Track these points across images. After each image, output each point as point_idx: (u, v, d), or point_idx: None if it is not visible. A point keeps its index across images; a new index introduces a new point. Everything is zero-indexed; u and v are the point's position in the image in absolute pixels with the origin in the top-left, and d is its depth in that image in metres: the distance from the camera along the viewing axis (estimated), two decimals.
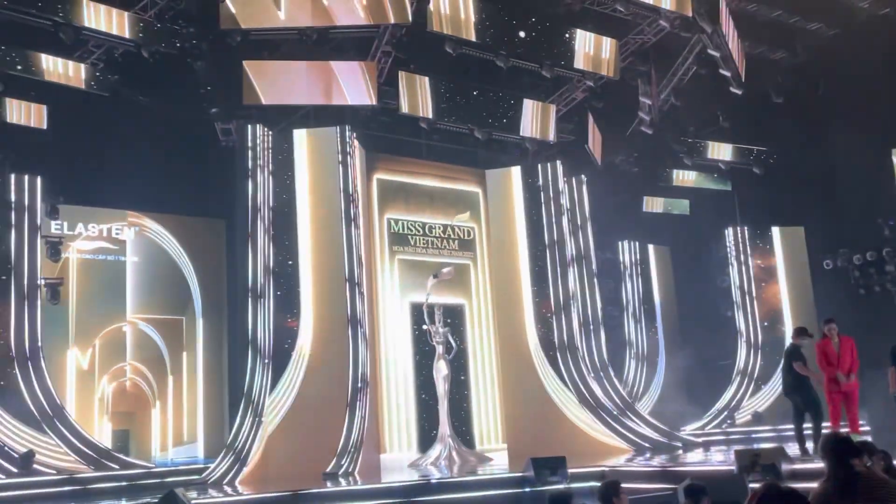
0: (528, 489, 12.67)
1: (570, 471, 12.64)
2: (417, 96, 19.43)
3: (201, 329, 22.82)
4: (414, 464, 17.64)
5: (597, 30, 19.79)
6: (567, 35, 19.57)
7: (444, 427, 17.64)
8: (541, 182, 21.16)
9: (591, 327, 20.94)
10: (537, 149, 21.91)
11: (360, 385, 17.03)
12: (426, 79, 19.59)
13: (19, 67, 17.42)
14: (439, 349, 17.90)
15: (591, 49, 19.69)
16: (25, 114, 18.15)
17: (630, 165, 24.94)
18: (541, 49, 19.48)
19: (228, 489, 14.61)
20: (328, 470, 15.44)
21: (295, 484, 13.16)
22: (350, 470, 15.71)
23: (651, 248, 26.62)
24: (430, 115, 19.70)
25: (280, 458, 16.23)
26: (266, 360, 16.96)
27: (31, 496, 15.41)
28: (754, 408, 24.14)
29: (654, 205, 26.23)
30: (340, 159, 18.25)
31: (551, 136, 21.12)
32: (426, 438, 19.09)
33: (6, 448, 16.84)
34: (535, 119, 20.87)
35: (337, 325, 17.33)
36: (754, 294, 25.57)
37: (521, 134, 21.00)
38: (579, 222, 21.60)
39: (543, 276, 20.63)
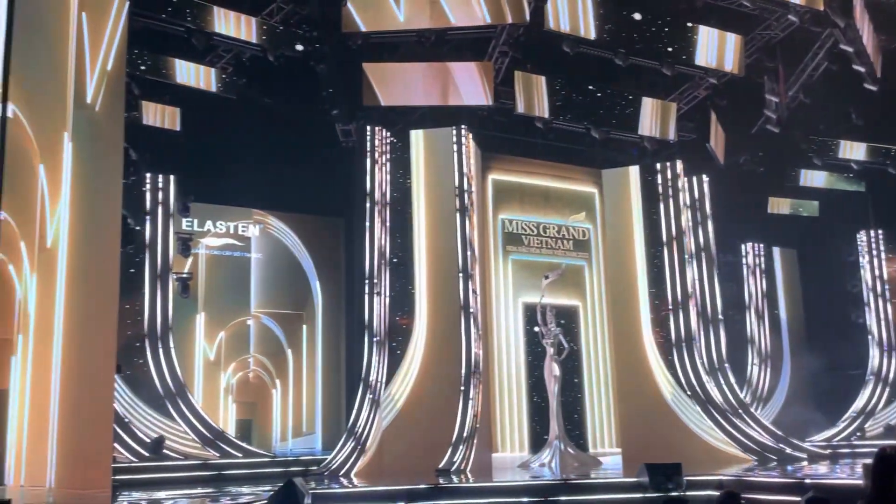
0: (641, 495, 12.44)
1: (685, 478, 12.33)
2: (533, 96, 19.38)
3: (320, 324, 23.48)
4: (524, 464, 17.61)
5: (721, 25, 19.21)
6: (689, 31, 19.08)
7: (555, 429, 17.52)
8: (660, 182, 20.68)
9: (710, 324, 20.33)
10: (656, 148, 21.46)
11: (472, 372, 17.15)
12: (542, 78, 19.51)
13: (160, 72, 18.41)
14: (550, 350, 17.82)
15: (714, 45, 19.14)
16: (160, 116, 19.16)
17: (754, 165, 24.04)
18: (661, 46, 19.07)
19: (344, 481, 14.97)
20: (441, 466, 15.60)
21: (410, 478, 13.41)
22: (462, 467, 15.82)
23: (776, 250, 25.61)
24: (546, 115, 19.61)
25: (394, 451, 16.50)
26: (381, 346, 17.33)
27: (170, 479, 16.26)
28: (887, 420, 22.87)
29: (779, 206, 25.21)
30: (456, 159, 18.41)
31: (671, 135, 20.65)
32: (537, 439, 19.02)
33: (139, 433, 17.80)
34: (654, 117, 20.45)
35: (450, 319, 17.51)
36: (888, 298, 24.24)
37: (639, 133, 20.63)
38: (699, 219, 21.03)
39: (661, 277, 20.18)
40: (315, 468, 16.89)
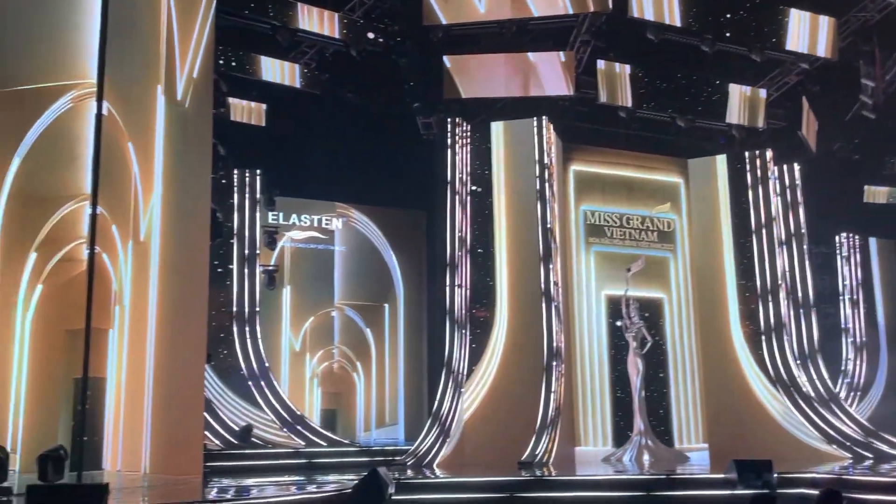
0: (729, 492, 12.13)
1: (776, 475, 11.96)
2: (616, 85, 19.08)
3: (402, 316, 23.69)
4: (608, 458, 17.42)
5: (813, 8, 18.53)
6: (779, 15, 18.46)
7: (639, 423, 17.31)
8: (749, 171, 20.10)
9: (802, 312, 19.69)
10: (745, 136, 20.85)
11: (554, 358, 17.07)
12: (626, 67, 19.19)
13: (246, 69, 18.86)
14: (633, 344, 17.59)
15: (806, 29, 18.47)
16: (247, 112, 19.63)
17: (849, 153, 23.13)
18: (750, 31, 18.51)
19: (427, 472, 15.06)
20: (523, 458, 15.56)
21: (493, 470, 13.39)
22: (545, 460, 15.75)
23: (873, 241, 24.60)
24: (630, 104, 19.29)
25: (476, 442, 16.53)
26: (462, 331, 17.40)
27: (257, 467, 16.69)
28: None
29: (876, 195, 24.21)
30: (537, 150, 18.28)
31: (760, 123, 20.05)
32: (621, 434, 18.78)
33: (228, 421, 18.30)
34: (742, 105, 19.89)
35: (531, 308, 17.42)
36: None
37: (727, 121, 20.10)
38: (790, 207, 20.38)
39: (750, 268, 19.62)
40: (398, 458, 17.03)
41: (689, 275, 20.72)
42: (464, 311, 17.61)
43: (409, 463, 16.13)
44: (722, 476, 12.45)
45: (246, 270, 19.95)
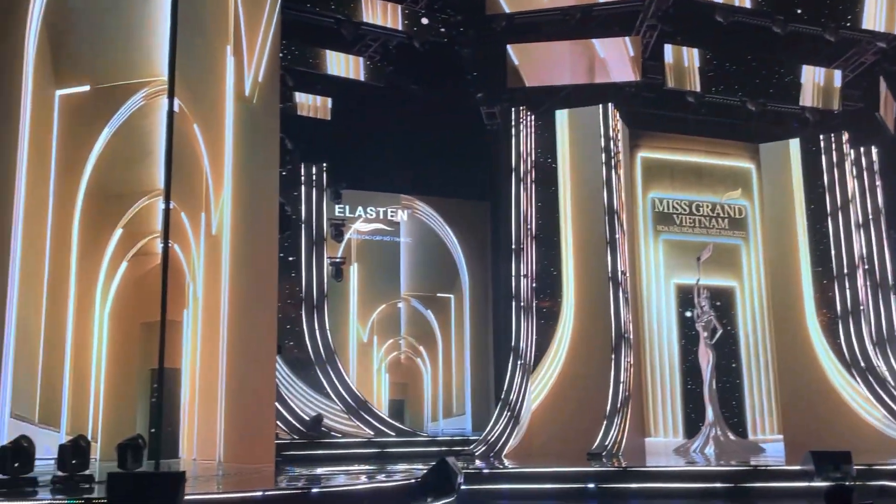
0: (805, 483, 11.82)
1: (855, 467, 11.60)
2: (684, 69, 18.71)
3: (468, 307, 23.70)
4: (679, 450, 17.18)
5: None
6: None
7: (710, 414, 17.06)
8: (823, 155, 19.51)
9: (880, 297, 19.07)
10: (819, 119, 20.22)
11: (622, 341, 16.88)
12: (694, 51, 18.80)
13: (311, 63, 19.09)
14: (704, 334, 17.32)
15: (883, 6, 17.79)
16: (312, 107, 19.87)
17: None
18: (824, 10, 17.92)
19: (496, 462, 15.05)
20: (592, 449, 15.45)
21: (562, 461, 13.30)
22: (614, 451, 15.61)
23: None
24: (698, 89, 18.89)
25: (545, 432, 16.48)
26: (529, 314, 17.33)
27: (327, 456, 16.95)
28: None
29: None
30: (603, 138, 18.08)
31: (836, 105, 19.41)
32: (692, 425, 18.47)
33: (299, 411, 18.61)
34: (816, 87, 19.28)
35: (598, 295, 17.29)
36: None
37: (800, 104, 19.52)
38: (868, 189, 19.73)
39: (826, 254, 19.10)
40: (466, 448, 17.05)
41: (761, 262, 20.24)
42: (530, 299, 17.55)
43: (477, 452, 16.15)
44: (799, 468, 12.15)
45: (314, 263, 20.26)
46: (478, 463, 14.61)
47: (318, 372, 19.52)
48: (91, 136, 12.81)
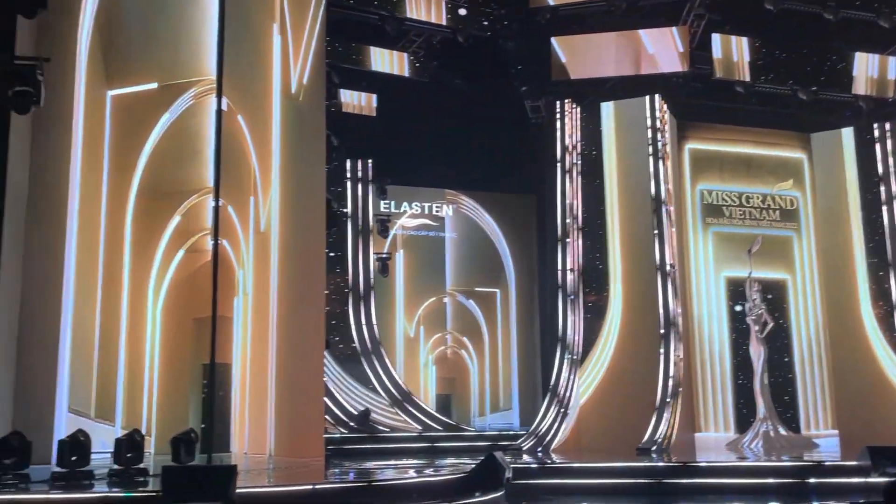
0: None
1: None
2: (733, 59, 18.41)
3: (514, 301, 23.64)
4: (731, 445, 16.96)
5: None
6: None
7: (762, 409, 16.82)
8: (877, 143, 19.03)
9: None
10: (872, 107, 19.72)
11: (671, 329, 16.69)
12: (743, 39, 18.48)
13: (356, 59, 19.21)
14: (755, 328, 17.07)
15: None
16: (357, 103, 19.98)
17: None
18: None
19: (555, 457, 15.00)
20: (641, 444, 15.32)
21: (610, 456, 13.20)
22: (664, 446, 15.45)
23: None
24: (747, 78, 18.57)
25: (594, 427, 16.39)
26: (577, 309, 17.26)
27: (375, 450, 17.08)
28: None
29: None
30: (650, 129, 17.87)
31: (890, 93, 18.94)
32: (743, 420, 18.20)
33: (347, 406, 18.76)
34: (869, 74, 18.82)
35: (646, 287, 17.13)
36: None
37: (853, 92, 19.07)
38: None
39: (881, 245, 18.64)
40: (514, 443, 17.01)
41: (814, 254, 19.83)
42: (577, 291, 17.45)
43: (525, 447, 16.12)
44: (855, 464, 11.91)
45: (360, 258, 20.40)
46: (525, 458, 14.58)
47: (365, 366, 19.66)
48: (142, 136, 13.05)
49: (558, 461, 14.14)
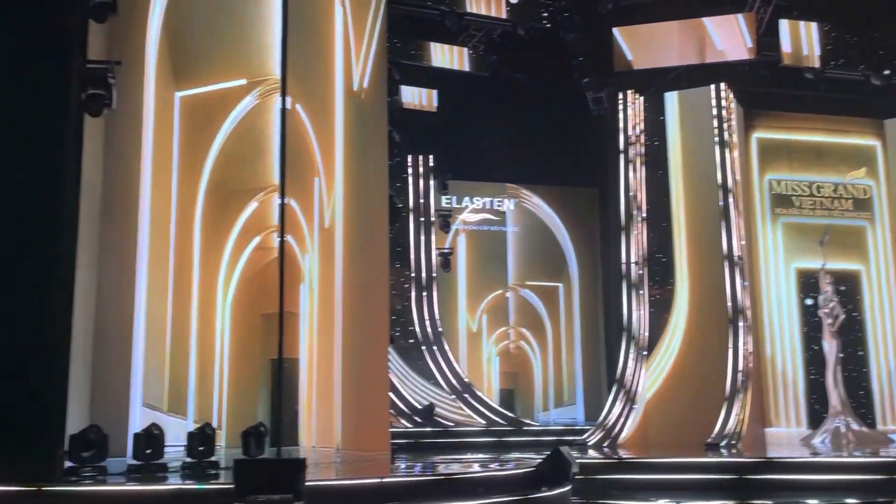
0: None
1: None
2: (801, 45, 17.93)
3: (577, 295, 23.44)
4: (805, 441, 16.57)
5: None
6: None
7: (835, 404, 16.39)
8: None
9: None
10: None
11: (740, 336, 16.38)
12: (812, 24, 17.97)
13: (416, 55, 19.27)
14: (828, 321, 16.63)
15: None
16: (418, 99, 20.04)
17: None
18: None
19: (622, 452, 14.86)
20: (710, 439, 15.07)
21: (678, 451, 13.00)
22: (734, 442, 15.17)
23: None
24: (817, 64, 18.08)
25: (660, 422, 16.18)
26: (641, 299, 17.01)
27: (446, 444, 17.13)
28: None
29: None
30: (715, 119, 17.55)
31: None
32: (815, 415, 17.74)
33: (412, 401, 18.86)
34: None
35: (714, 284, 16.85)
36: None
37: None
38: None
39: None
40: (578, 438, 16.89)
41: (889, 244, 19.22)
42: (642, 283, 17.25)
43: (591, 442, 16.00)
44: None
45: (422, 253, 20.48)
46: (591, 452, 14.47)
47: (428, 360, 19.73)
48: (210, 135, 13.29)
49: (629, 457, 13.98)
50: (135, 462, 9.07)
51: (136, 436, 9.32)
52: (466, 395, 19.49)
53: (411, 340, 19.91)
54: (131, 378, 10.86)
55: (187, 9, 13.13)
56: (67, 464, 8.46)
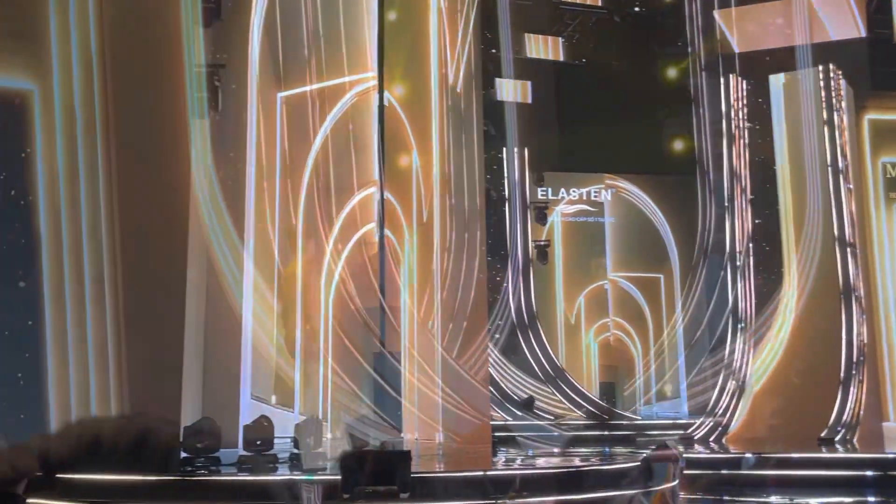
0: None
1: None
2: None
3: (679, 286, 22.91)
4: None
5: None
6: None
7: None
8: None
9: None
10: None
11: (854, 326, 15.70)
12: None
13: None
14: None
15: None
16: (512, 91, 19.92)
17: None
18: None
19: (730, 447, 14.52)
20: (824, 434, 14.53)
21: (789, 446, 12.59)
22: (849, 436, 14.58)
23: None
24: None
25: (768, 416, 15.70)
26: (749, 287, 16.61)
27: (547, 438, 17.04)
28: None
29: None
30: (824, 101, 16.83)
31: None
32: None
33: (511, 394, 18.85)
34: None
35: (825, 272, 16.18)
36: None
37: None
38: None
39: None
40: (684, 432, 16.52)
41: None
42: (747, 271, 16.74)
43: (697, 437, 15.64)
44: None
45: (518, 246, 20.38)
46: (698, 447, 14.15)
47: (529, 355, 19.64)
48: (311, 134, 13.56)
49: (733, 451, 13.63)
50: (245, 453, 9.37)
51: (247, 427, 9.63)
52: (572, 393, 19.31)
53: (513, 333, 19.86)
54: (241, 371, 11.20)
55: (286, 10, 13.43)
56: (181, 454, 8.81)
